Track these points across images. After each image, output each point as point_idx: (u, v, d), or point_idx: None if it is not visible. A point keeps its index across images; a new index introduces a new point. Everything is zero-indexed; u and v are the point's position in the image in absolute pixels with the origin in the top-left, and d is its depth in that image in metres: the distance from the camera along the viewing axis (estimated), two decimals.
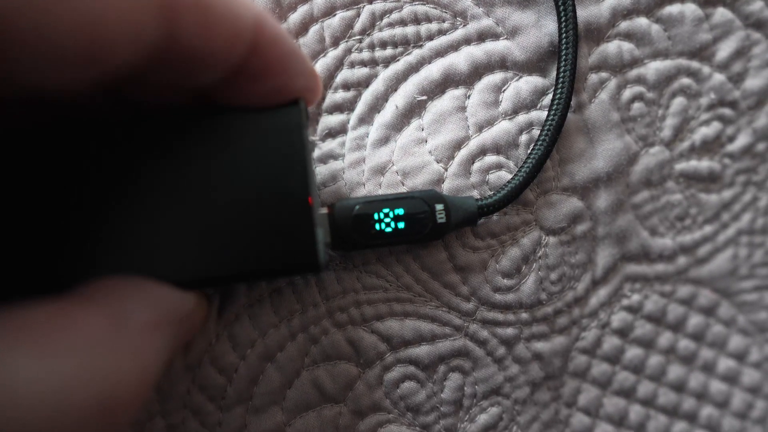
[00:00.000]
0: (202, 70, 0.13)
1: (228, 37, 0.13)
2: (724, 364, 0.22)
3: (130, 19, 0.11)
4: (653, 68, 0.21)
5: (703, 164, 0.21)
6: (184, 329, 0.15)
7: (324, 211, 0.17)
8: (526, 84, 0.20)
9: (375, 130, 0.19)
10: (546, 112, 0.20)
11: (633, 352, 0.21)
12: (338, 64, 0.19)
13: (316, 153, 0.19)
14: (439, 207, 0.18)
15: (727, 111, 0.22)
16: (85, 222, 0.14)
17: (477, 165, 0.19)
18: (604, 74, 0.20)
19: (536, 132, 0.20)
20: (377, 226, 0.17)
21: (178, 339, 0.14)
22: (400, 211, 0.17)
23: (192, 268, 0.14)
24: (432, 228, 0.18)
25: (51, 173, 0.14)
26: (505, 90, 0.20)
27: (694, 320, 0.22)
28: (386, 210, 0.17)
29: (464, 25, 0.20)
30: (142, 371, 0.12)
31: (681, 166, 0.21)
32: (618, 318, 0.21)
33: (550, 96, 0.20)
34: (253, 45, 0.13)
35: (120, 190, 0.14)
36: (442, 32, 0.20)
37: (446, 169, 0.19)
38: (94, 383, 0.11)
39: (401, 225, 0.17)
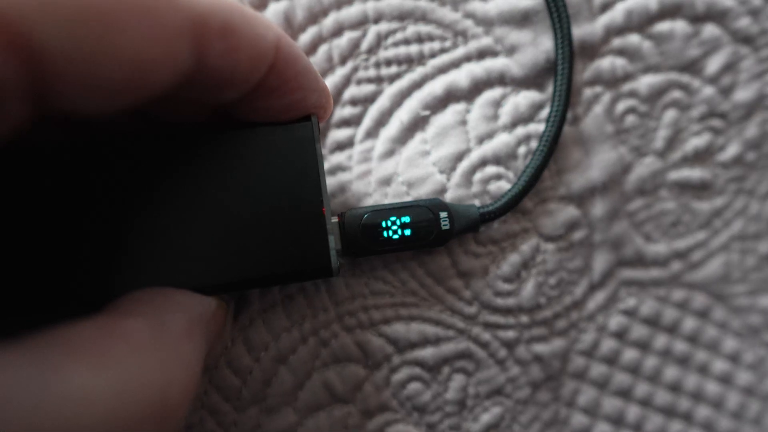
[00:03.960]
0: (226, 89, 0.14)
1: (252, 59, 0.13)
2: (719, 365, 0.22)
3: (168, 50, 0.11)
4: (645, 82, 0.21)
5: (695, 173, 0.22)
6: (211, 333, 0.15)
7: (334, 219, 0.18)
8: (524, 99, 0.21)
9: (381, 143, 0.20)
10: (543, 125, 0.20)
11: (630, 354, 0.22)
12: (346, 82, 0.20)
13: (326, 165, 0.20)
14: (443, 214, 0.18)
15: (717, 122, 0.22)
16: (110, 235, 0.14)
17: (478, 175, 0.20)
18: (598, 89, 0.21)
19: (534, 144, 0.21)
20: (385, 234, 0.18)
21: (208, 342, 0.15)
22: (406, 219, 0.18)
23: (214, 273, 0.15)
24: (437, 234, 0.18)
25: (73, 189, 0.14)
26: (503, 104, 0.21)
27: (689, 323, 0.22)
28: (393, 218, 0.18)
29: (465, 44, 0.21)
30: (187, 375, 0.13)
31: (674, 175, 0.22)
32: (615, 321, 0.21)
33: (547, 110, 0.21)
34: (272, 64, 0.14)
35: (142, 203, 0.15)
36: (444, 51, 0.20)
37: (449, 180, 0.20)
38: (147, 390, 0.11)
39: (407, 232, 0.18)
